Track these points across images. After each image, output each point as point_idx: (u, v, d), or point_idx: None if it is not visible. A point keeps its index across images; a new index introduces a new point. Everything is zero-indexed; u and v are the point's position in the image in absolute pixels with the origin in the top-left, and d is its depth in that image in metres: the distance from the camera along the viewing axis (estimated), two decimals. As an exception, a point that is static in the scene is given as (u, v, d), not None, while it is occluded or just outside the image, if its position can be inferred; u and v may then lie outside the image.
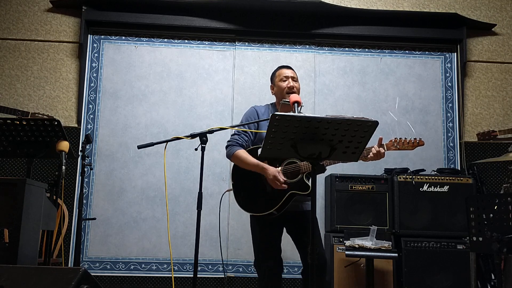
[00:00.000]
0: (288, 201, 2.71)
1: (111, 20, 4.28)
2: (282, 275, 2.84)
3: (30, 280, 1.72)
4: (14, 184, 2.27)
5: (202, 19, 4.31)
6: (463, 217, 3.58)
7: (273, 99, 3.04)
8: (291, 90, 2.83)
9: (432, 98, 4.43)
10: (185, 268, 4.06)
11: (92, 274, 2.08)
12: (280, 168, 2.73)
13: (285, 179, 2.65)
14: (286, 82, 2.88)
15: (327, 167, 2.85)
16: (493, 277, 3.82)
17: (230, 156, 2.83)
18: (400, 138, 2.76)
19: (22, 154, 2.61)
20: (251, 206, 2.79)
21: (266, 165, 2.68)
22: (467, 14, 4.50)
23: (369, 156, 2.65)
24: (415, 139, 2.76)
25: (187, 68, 4.34)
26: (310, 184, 2.67)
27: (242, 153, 2.79)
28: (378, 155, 2.65)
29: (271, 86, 3.02)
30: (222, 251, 3.88)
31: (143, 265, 4.04)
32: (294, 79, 2.92)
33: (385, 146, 2.71)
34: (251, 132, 2.87)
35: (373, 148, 2.65)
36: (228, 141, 2.87)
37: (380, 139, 2.69)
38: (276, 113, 1.89)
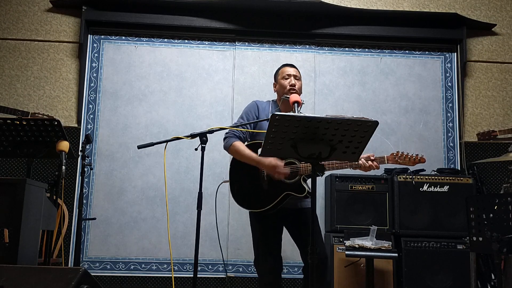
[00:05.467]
0: (282, 200, 2.73)
1: (111, 20, 4.27)
2: (282, 275, 2.84)
3: (30, 280, 1.72)
4: (14, 184, 2.27)
5: (202, 19, 4.31)
6: (463, 217, 3.58)
7: (274, 97, 3.05)
8: (293, 88, 2.84)
9: (432, 98, 4.43)
10: (185, 268, 4.06)
11: (92, 274, 2.08)
12: None
13: (283, 164, 2.65)
14: (288, 80, 2.90)
15: (330, 171, 2.86)
16: (493, 277, 3.82)
17: (227, 147, 2.85)
18: (402, 153, 2.76)
19: (22, 154, 2.61)
20: (247, 202, 2.81)
21: (261, 158, 2.68)
22: (467, 14, 4.50)
23: (360, 168, 2.67)
24: (416, 155, 2.75)
25: (187, 68, 4.34)
26: (306, 187, 2.70)
27: (240, 145, 2.80)
28: (369, 169, 2.67)
29: (273, 83, 3.03)
30: (222, 251, 3.88)
31: (143, 265, 4.04)
32: (297, 77, 2.93)
33: (385, 159, 2.72)
34: (249, 124, 2.88)
35: (365, 162, 2.65)
36: (226, 133, 2.89)
37: (369, 156, 2.69)
38: (276, 113, 1.90)
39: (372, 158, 2.67)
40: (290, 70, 2.94)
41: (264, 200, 2.73)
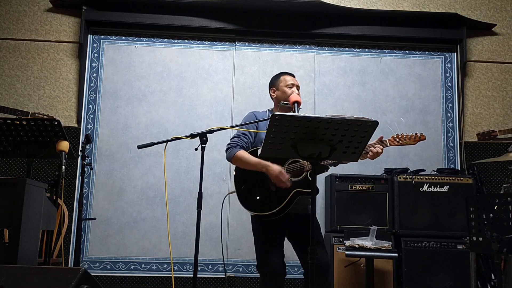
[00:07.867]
0: (292, 200, 2.69)
1: (111, 20, 4.28)
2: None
3: (30, 280, 1.72)
4: (14, 184, 2.27)
5: (202, 19, 4.31)
6: (463, 217, 3.57)
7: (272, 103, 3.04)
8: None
9: (432, 98, 4.43)
10: (185, 268, 4.06)
11: (92, 274, 2.08)
12: (284, 167, 2.72)
13: (288, 177, 2.65)
14: (293, 89, 2.90)
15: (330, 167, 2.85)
16: (493, 277, 3.82)
17: (230, 158, 2.82)
18: (402, 134, 2.79)
19: (22, 154, 2.61)
20: (255, 205, 2.76)
21: (268, 163, 2.66)
22: (467, 14, 4.50)
23: (368, 155, 2.66)
24: (416, 134, 2.80)
25: (187, 68, 4.34)
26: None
27: (243, 153, 2.78)
28: (377, 155, 2.67)
29: (272, 89, 3.00)
30: (223, 251, 3.88)
31: (143, 265, 4.04)
32: (298, 88, 2.96)
33: (387, 142, 2.73)
34: (250, 134, 2.87)
35: (373, 148, 2.65)
36: (228, 144, 2.87)
37: (381, 138, 2.72)
38: (276, 113, 1.89)
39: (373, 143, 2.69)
40: (294, 80, 2.96)
41: (274, 202, 2.70)
